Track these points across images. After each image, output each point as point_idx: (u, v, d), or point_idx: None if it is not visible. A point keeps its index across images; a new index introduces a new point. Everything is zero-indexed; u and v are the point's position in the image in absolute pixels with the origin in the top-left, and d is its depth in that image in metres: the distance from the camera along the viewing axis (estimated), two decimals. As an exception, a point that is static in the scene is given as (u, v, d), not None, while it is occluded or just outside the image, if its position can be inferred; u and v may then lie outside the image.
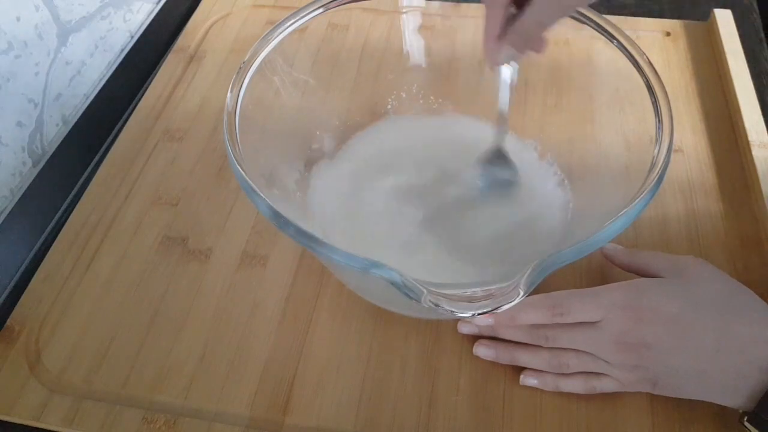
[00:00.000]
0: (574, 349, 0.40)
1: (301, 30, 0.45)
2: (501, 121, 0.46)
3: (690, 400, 0.39)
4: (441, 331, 0.44)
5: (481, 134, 0.49)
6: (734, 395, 0.36)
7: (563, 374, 0.40)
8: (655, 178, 0.35)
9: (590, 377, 0.40)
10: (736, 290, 0.39)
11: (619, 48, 0.41)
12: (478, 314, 0.31)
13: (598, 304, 0.38)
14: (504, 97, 0.44)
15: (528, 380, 0.41)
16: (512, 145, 0.50)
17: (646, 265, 0.42)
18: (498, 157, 0.47)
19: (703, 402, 0.39)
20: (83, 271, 0.49)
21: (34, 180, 0.52)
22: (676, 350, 0.37)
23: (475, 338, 0.43)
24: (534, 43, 0.38)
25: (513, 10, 0.37)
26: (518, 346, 0.42)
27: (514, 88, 0.43)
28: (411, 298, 0.31)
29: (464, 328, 0.44)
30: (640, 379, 0.39)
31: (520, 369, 0.42)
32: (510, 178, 0.47)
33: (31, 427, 0.42)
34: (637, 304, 0.38)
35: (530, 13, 0.35)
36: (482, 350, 0.42)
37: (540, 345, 0.41)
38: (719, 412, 0.40)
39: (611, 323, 0.38)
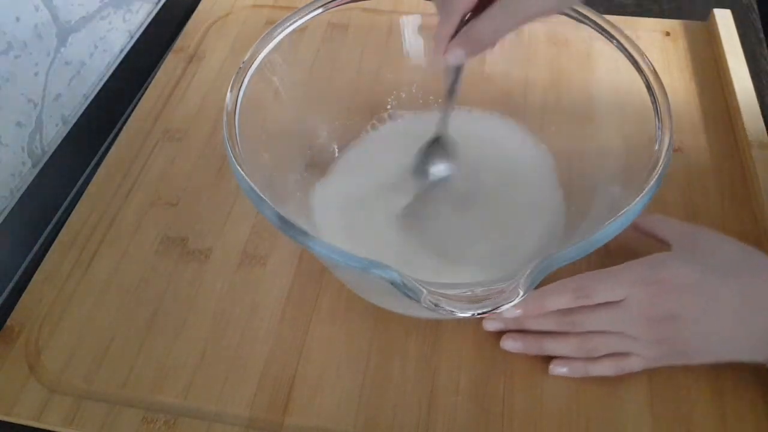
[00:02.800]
0: (602, 332, 0.40)
1: (301, 30, 0.45)
2: (446, 109, 0.44)
3: (689, 399, 0.40)
4: (441, 331, 0.44)
5: (481, 133, 0.50)
6: (764, 350, 0.38)
7: (592, 359, 0.41)
8: (655, 178, 0.35)
9: (619, 358, 0.40)
10: (747, 251, 0.40)
11: (618, 48, 0.41)
12: (478, 314, 0.31)
13: (620, 283, 0.39)
14: (451, 83, 0.43)
15: (557, 369, 0.41)
16: (512, 145, 0.50)
17: (654, 229, 0.42)
18: (438, 147, 0.45)
19: (702, 401, 0.39)
20: (83, 272, 0.49)
21: (33, 180, 0.52)
22: (704, 316, 0.38)
23: (475, 337, 0.43)
24: (487, 47, 0.36)
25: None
26: (546, 336, 0.42)
27: (460, 76, 0.42)
28: (411, 298, 0.31)
29: (490, 325, 0.43)
30: (668, 353, 0.39)
31: (519, 368, 0.42)
32: (447, 170, 0.46)
33: (31, 427, 0.42)
34: (659, 277, 0.39)
35: (486, 19, 0.34)
36: (510, 343, 0.43)
37: (568, 331, 0.41)
38: (719, 411, 0.40)
39: (636, 300, 0.39)
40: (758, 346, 0.38)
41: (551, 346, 0.42)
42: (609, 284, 0.40)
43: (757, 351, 0.38)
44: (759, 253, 0.40)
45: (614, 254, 0.42)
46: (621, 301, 0.39)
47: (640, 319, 0.39)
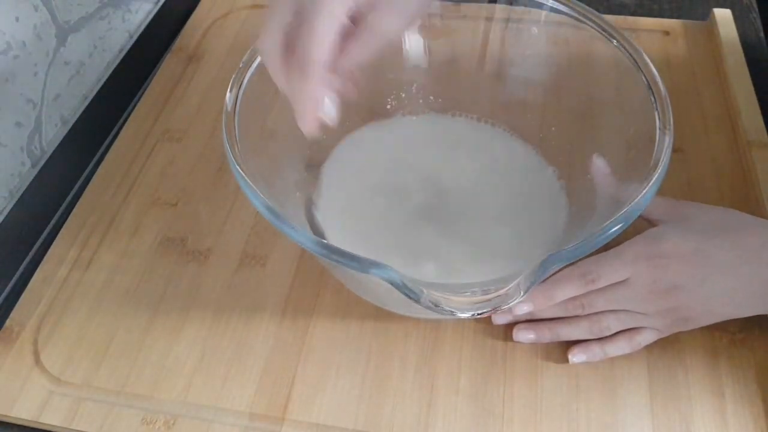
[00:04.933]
0: (612, 310, 0.41)
1: (301, 30, 0.45)
2: None
3: (689, 399, 0.40)
4: (441, 331, 0.44)
5: (480, 134, 0.50)
6: (764, 301, 0.40)
7: (607, 339, 0.42)
8: (655, 178, 0.35)
9: (632, 334, 0.42)
10: (728, 212, 0.42)
11: (618, 48, 0.41)
12: (478, 314, 0.31)
13: (624, 262, 0.41)
14: None
15: (577, 358, 0.42)
16: (513, 146, 0.50)
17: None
18: None
19: (702, 401, 0.40)
20: (82, 272, 0.49)
21: (32, 180, 0.52)
22: (704, 280, 0.39)
23: (475, 337, 0.43)
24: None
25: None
26: (557, 322, 0.43)
27: None
28: (410, 298, 0.31)
29: (499, 319, 0.44)
30: (676, 321, 0.41)
31: (519, 368, 0.42)
32: None
33: (31, 427, 0.42)
34: (659, 252, 0.40)
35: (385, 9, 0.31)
36: (522, 334, 0.43)
37: (578, 315, 0.42)
38: (719, 411, 0.40)
39: (641, 276, 0.40)
40: (758, 299, 0.40)
41: (564, 331, 0.42)
42: (613, 266, 0.41)
43: (758, 303, 0.40)
44: (736, 212, 0.42)
45: (612, 243, 0.42)
46: (626, 279, 0.41)
47: (646, 294, 0.40)
